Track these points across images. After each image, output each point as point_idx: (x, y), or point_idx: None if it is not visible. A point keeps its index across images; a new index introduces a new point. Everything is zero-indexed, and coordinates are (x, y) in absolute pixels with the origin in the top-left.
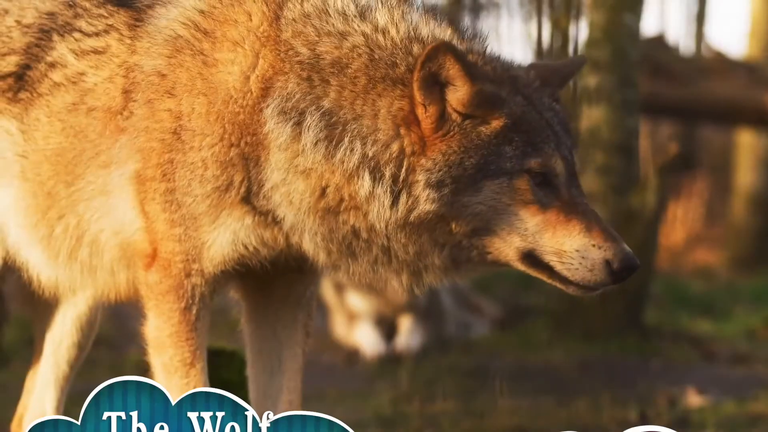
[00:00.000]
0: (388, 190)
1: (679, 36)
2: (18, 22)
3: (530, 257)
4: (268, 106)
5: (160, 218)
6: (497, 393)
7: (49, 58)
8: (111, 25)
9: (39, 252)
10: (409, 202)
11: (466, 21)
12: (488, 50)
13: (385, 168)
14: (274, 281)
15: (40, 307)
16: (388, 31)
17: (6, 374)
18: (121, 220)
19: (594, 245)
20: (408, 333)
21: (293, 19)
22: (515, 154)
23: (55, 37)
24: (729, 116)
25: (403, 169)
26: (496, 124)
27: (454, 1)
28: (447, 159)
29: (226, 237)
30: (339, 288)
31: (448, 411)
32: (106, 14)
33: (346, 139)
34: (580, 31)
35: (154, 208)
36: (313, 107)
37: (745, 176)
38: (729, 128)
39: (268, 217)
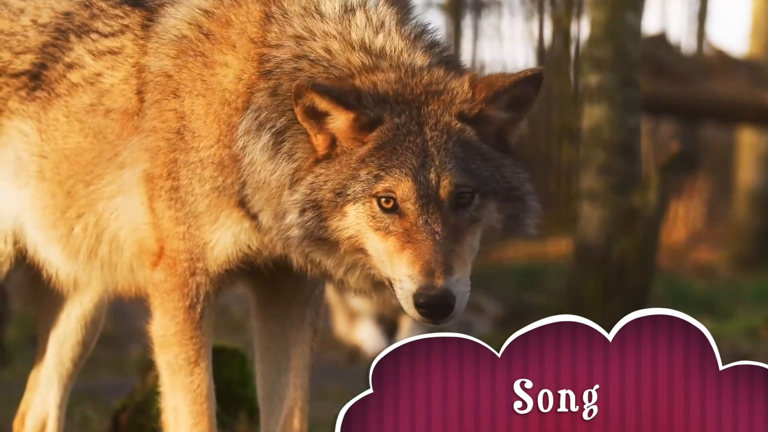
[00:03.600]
0: (294, 208)
1: (681, 35)
2: (34, 21)
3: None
4: (241, 121)
5: (166, 215)
6: None
7: (67, 59)
8: (126, 26)
9: (58, 251)
10: (281, 225)
11: (466, 20)
12: (432, 60)
13: (297, 185)
14: (283, 280)
15: (44, 306)
16: (348, 37)
17: (8, 373)
18: (135, 217)
19: (409, 276)
20: (409, 331)
21: (277, 19)
22: (367, 178)
23: (73, 38)
24: (730, 115)
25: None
26: (365, 147)
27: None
28: (311, 183)
29: (228, 238)
30: None
31: None
32: (122, 14)
33: (278, 156)
34: (582, 30)
35: (160, 206)
36: (270, 125)
37: (746, 175)
38: (730, 127)
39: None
